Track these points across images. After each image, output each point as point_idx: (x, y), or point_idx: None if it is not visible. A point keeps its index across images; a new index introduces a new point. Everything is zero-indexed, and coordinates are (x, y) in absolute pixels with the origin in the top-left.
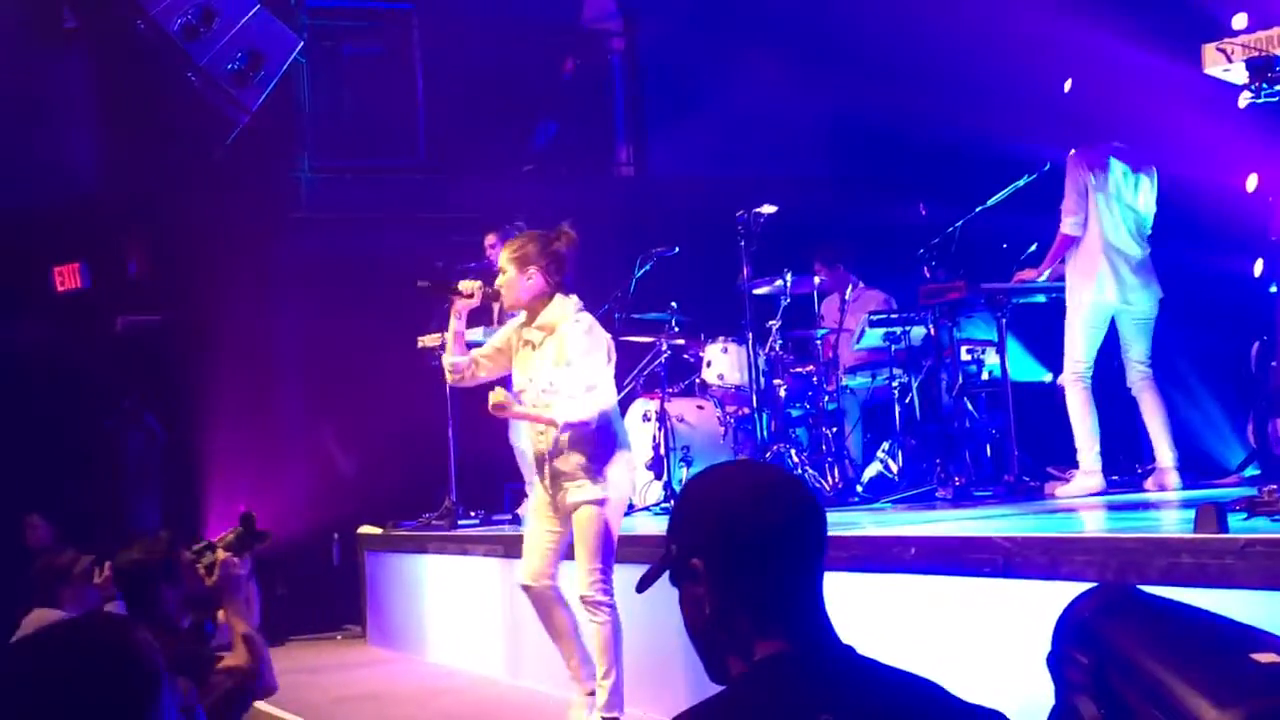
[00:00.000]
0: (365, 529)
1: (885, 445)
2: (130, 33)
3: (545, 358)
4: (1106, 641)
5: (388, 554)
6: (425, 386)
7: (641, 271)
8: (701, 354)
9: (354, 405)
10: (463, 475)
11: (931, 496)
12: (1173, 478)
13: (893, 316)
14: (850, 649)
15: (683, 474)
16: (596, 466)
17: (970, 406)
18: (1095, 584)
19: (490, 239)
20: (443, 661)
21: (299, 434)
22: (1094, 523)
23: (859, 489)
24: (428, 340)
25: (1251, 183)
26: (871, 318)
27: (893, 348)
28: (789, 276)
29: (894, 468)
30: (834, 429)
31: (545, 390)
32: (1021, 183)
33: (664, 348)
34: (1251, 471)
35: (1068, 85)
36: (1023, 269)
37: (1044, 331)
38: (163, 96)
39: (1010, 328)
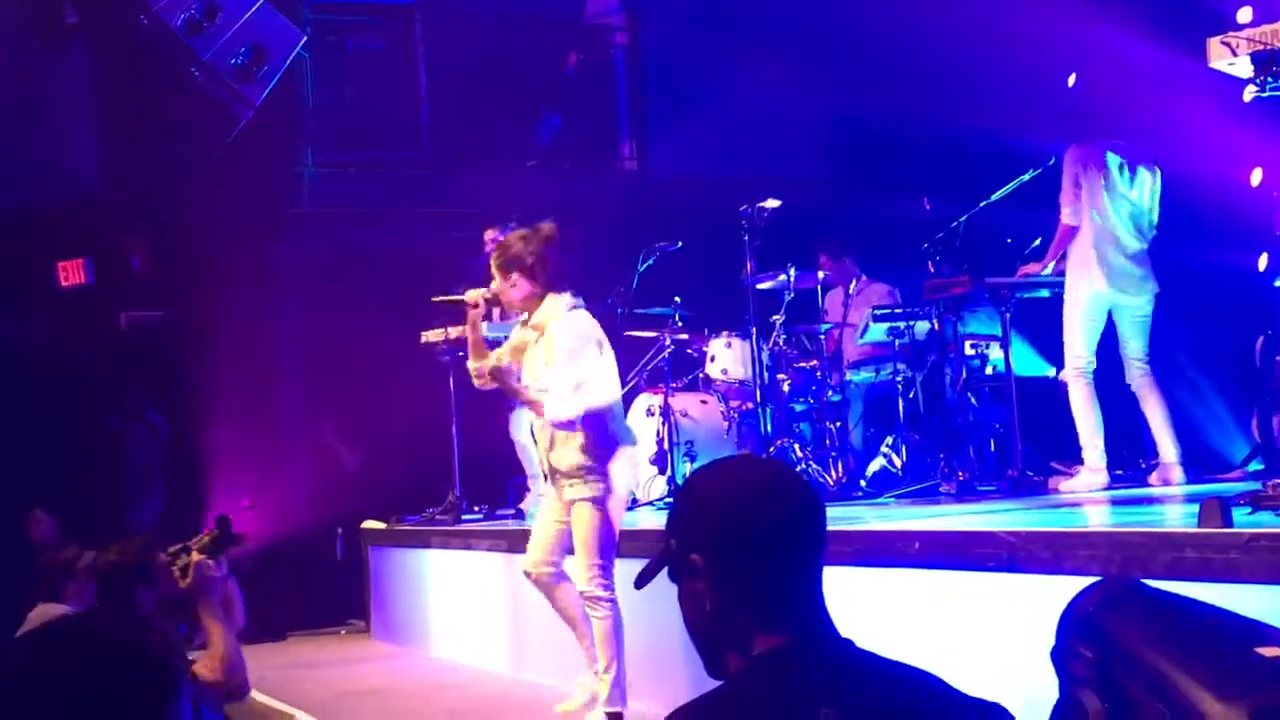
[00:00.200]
0: (369, 524)
1: (889, 440)
2: (132, 28)
3: (538, 358)
4: (1111, 636)
5: (391, 549)
6: (429, 381)
7: (645, 266)
8: (705, 349)
9: (357, 400)
10: (466, 470)
11: (935, 491)
12: (1176, 472)
13: (897, 311)
14: (849, 643)
15: (686, 469)
16: (592, 464)
17: (974, 401)
18: (1099, 578)
19: (490, 234)
20: (446, 656)
21: (302, 429)
22: (1098, 517)
23: (862, 484)
24: (431, 335)
25: (1256, 177)
26: (875, 312)
27: (896, 342)
28: (792, 271)
29: (898, 462)
30: (838, 423)
31: (541, 391)
32: (1026, 177)
33: (667, 342)
34: (1255, 466)
35: (1071, 80)
36: (1027, 264)
37: (1048, 326)
38: (165, 92)
39: (1014, 322)
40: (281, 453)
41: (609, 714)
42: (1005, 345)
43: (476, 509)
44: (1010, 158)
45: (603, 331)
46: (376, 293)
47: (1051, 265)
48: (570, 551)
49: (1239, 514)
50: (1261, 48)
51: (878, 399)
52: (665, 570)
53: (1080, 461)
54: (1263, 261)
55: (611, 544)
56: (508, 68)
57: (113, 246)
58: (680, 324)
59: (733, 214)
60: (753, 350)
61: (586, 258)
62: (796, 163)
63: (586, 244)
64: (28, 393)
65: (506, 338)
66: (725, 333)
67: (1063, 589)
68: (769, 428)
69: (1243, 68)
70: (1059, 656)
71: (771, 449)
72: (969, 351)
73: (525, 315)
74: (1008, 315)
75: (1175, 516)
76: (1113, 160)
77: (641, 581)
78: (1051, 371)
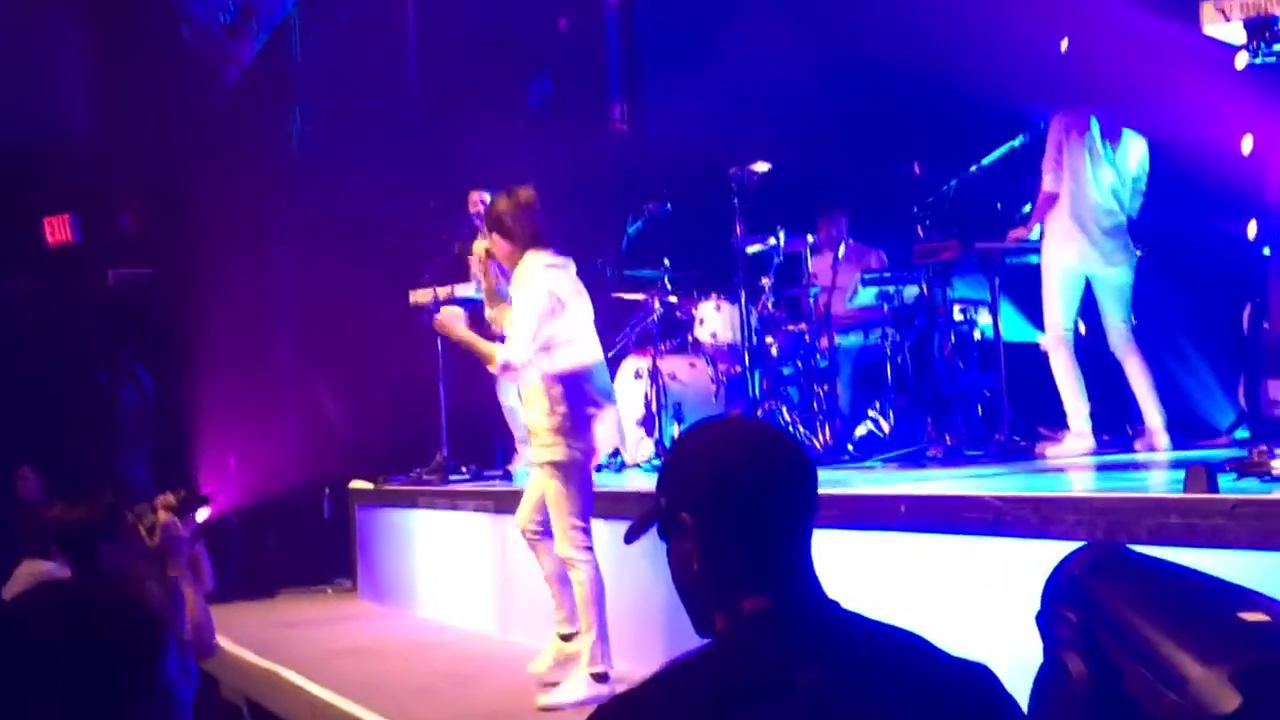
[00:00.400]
0: (356, 483)
1: (876, 404)
2: None
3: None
4: (1095, 600)
5: (379, 508)
6: (417, 342)
7: (634, 229)
8: (694, 311)
9: (346, 360)
10: (454, 430)
11: (922, 455)
12: (1162, 438)
13: (886, 275)
14: (835, 604)
15: (674, 431)
16: (556, 425)
17: (962, 366)
18: (1085, 543)
19: (475, 195)
20: (433, 616)
21: (291, 388)
22: (1084, 482)
23: (850, 447)
24: (419, 296)
25: (1247, 144)
26: (864, 276)
27: (885, 306)
28: (782, 234)
29: (885, 426)
30: (825, 387)
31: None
32: (1016, 142)
33: (656, 305)
34: (1242, 433)
35: (1064, 44)
36: (1016, 229)
37: (1037, 291)
38: (156, 49)
39: (1003, 287)
40: (269, 412)
41: (594, 674)
42: (994, 310)
43: (464, 469)
44: (1001, 122)
45: (575, 292)
46: (365, 253)
47: (1038, 229)
48: None
49: (1224, 480)
50: (1255, 13)
51: (866, 363)
52: (655, 529)
53: (1067, 427)
54: (1252, 229)
55: (585, 505)
56: (499, 27)
57: (101, 203)
58: (669, 287)
59: (723, 177)
60: (741, 313)
61: (576, 220)
62: (789, 122)
63: (577, 206)
64: (14, 350)
65: (475, 299)
66: (714, 296)
67: (1048, 553)
68: (757, 391)
69: (1236, 33)
70: (1044, 620)
71: (759, 412)
72: (957, 316)
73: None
74: (997, 280)
75: (1161, 482)
76: (1096, 128)
77: (631, 537)
78: (1040, 337)
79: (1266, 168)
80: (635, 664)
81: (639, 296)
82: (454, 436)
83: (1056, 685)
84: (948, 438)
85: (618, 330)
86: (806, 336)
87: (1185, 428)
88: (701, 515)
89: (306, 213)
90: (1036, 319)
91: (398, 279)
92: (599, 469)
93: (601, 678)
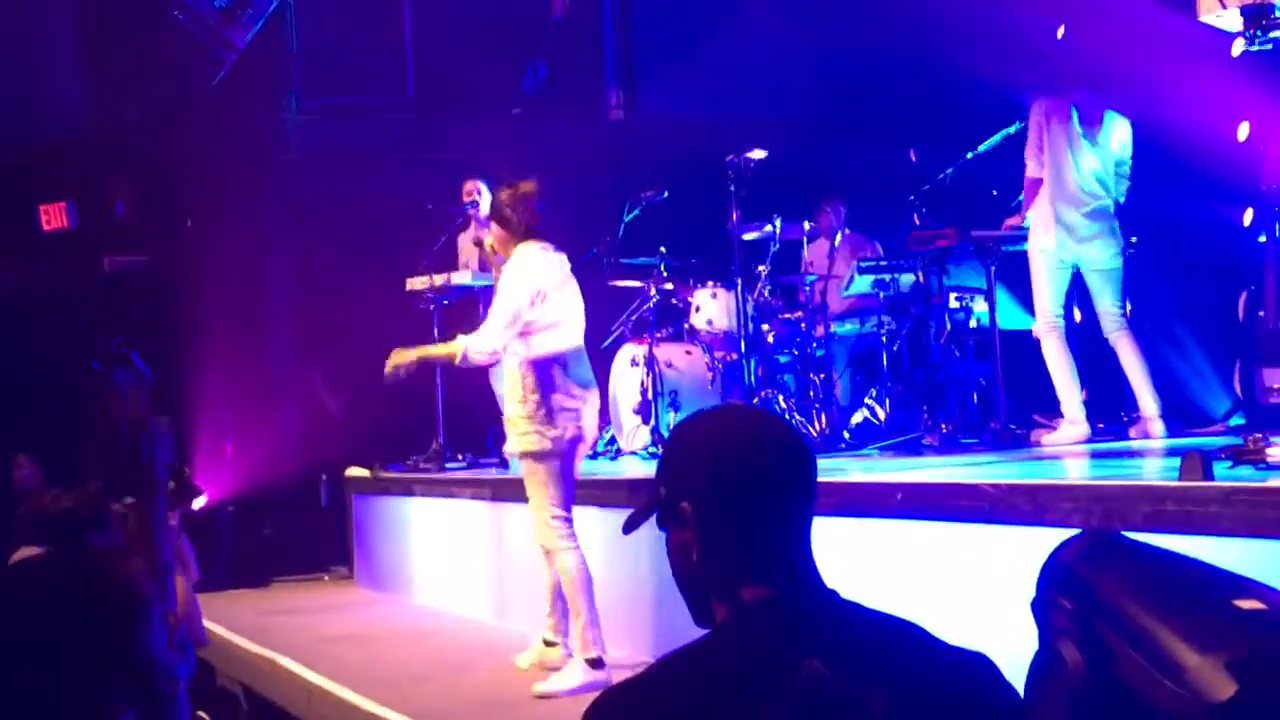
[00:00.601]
0: (353, 471)
1: (872, 392)
2: None
3: None
4: (1091, 587)
5: (375, 496)
6: (413, 329)
7: (630, 216)
8: (690, 299)
9: (342, 347)
10: (450, 418)
11: (918, 443)
12: (1157, 426)
13: (882, 263)
14: (834, 593)
15: (670, 419)
16: (529, 412)
17: (958, 354)
18: (1080, 530)
19: (468, 185)
20: (429, 603)
21: (287, 376)
22: (1079, 470)
23: (846, 435)
24: (416, 283)
25: (1243, 131)
26: (860, 264)
27: (881, 294)
28: (778, 222)
29: (881, 414)
30: (821, 375)
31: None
32: (1012, 129)
33: (652, 292)
34: (1237, 420)
35: (1060, 31)
36: (1012, 216)
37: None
38: (150, 35)
39: (999, 275)
40: (266, 399)
41: (588, 660)
42: (990, 298)
43: (460, 457)
44: (998, 109)
45: (562, 280)
46: (361, 240)
47: (1030, 216)
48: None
49: (1220, 468)
50: (1251, 1)
51: (862, 351)
52: (654, 518)
53: (1062, 415)
54: (1248, 216)
55: (565, 494)
56: (494, 14)
57: (96, 190)
58: (665, 274)
59: (719, 164)
60: (738, 301)
61: (572, 207)
62: (785, 109)
63: (572, 193)
64: (8, 337)
65: (471, 286)
66: (710, 283)
67: (1044, 541)
68: (753, 379)
69: (1232, 21)
70: (1039, 608)
71: (755, 400)
72: (953, 304)
73: None
74: (993, 268)
75: (1156, 470)
76: (1075, 115)
77: (630, 527)
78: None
79: (1263, 155)
80: (630, 651)
81: (635, 284)
82: (450, 424)
83: (1052, 673)
84: (943, 426)
85: (614, 318)
86: (803, 324)
87: (1180, 415)
88: (701, 504)
89: (302, 199)
90: (1032, 307)
91: (394, 265)
92: (593, 456)
93: (596, 663)
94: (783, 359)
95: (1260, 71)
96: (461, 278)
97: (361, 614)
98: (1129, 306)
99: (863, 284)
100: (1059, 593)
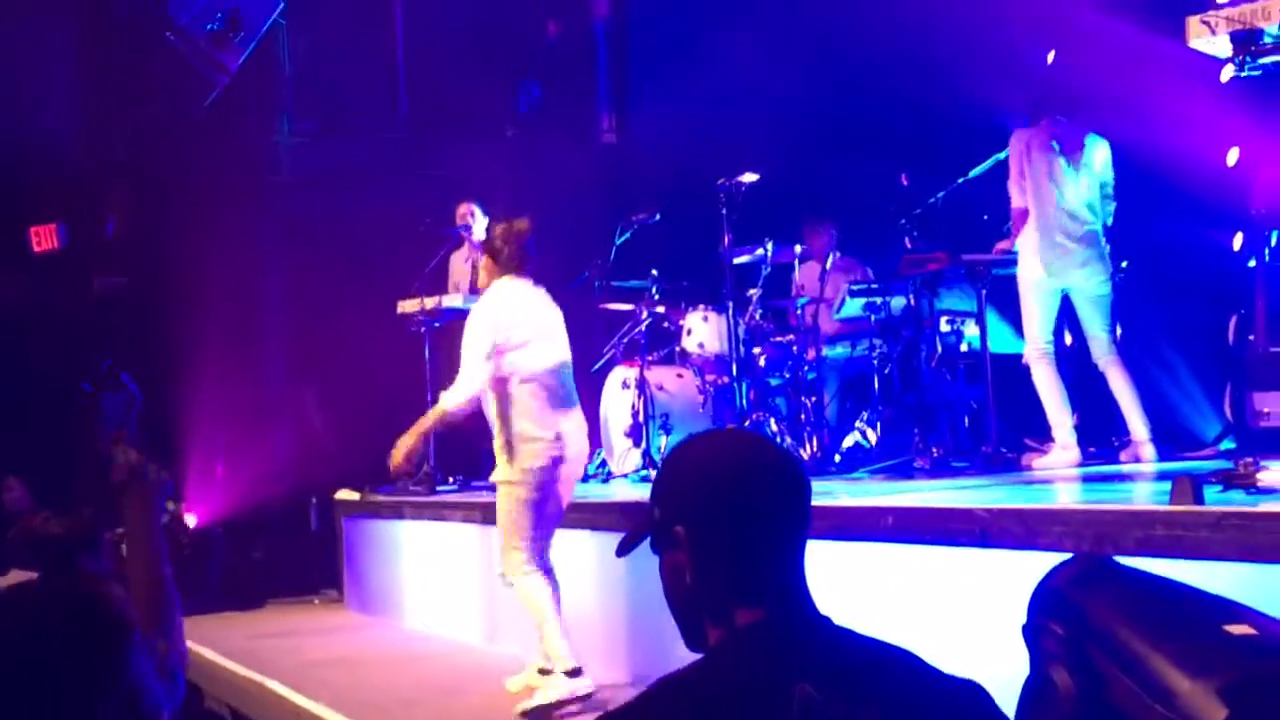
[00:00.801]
0: (343, 494)
1: (864, 415)
2: None
3: None
4: (1082, 612)
5: (366, 519)
6: (404, 351)
7: (622, 239)
8: (682, 322)
9: (333, 369)
10: (441, 441)
11: (909, 467)
12: (1148, 450)
13: (873, 286)
14: (827, 619)
15: (661, 442)
16: (501, 444)
17: (949, 377)
18: (1072, 555)
19: (462, 209)
20: (420, 627)
21: (278, 398)
22: (1070, 494)
23: (837, 459)
24: (407, 305)
25: (1232, 156)
26: (852, 288)
27: (872, 318)
28: (770, 245)
29: (872, 438)
30: (813, 398)
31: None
32: (1003, 155)
33: (644, 315)
34: (1228, 445)
35: (1050, 57)
36: (1003, 240)
37: None
38: (142, 57)
39: (990, 299)
40: (257, 421)
41: (566, 671)
42: (981, 322)
43: (451, 480)
44: (990, 134)
45: (536, 306)
46: (353, 260)
47: (1018, 244)
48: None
49: (1210, 492)
50: (1240, 27)
51: (853, 374)
52: (647, 541)
53: (1053, 439)
54: (1237, 240)
55: (529, 525)
56: (487, 36)
57: (87, 211)
58: (657, 297)
59: (711, 187)
60: (729, 324)
61: (564, 229)
62: (776, 137)
63: (564, 215)
64: None
65: (463, 310)
66: (702, 306)
67: (1035, 565)
68: (744, 402)
69: (1221, 46)
70: (1031, 633)
71: (746, 423)
72: (944, 328)
73: None
74: (984, 292)
75: (1147, 494)
76: (1055, 144)
77: (623, 550)
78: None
79: (1252, 179)
80: (621, 674)
81: (627, 307)
82: (441, 447)
83: (1043, 698)
84: (935, 449)
85: (605, 340)
86: (794, 347)
87: (1171, 439)
88: (695, 528)
89: (294, 221)
90: (1023, 330)
91: (386, 287)
92: (585, 479)
93: (574, 673)
94: (774, 382)
95: (1249, 97)
96: (453, 300)
97: (351, 637)
98: (1119, 331)
99: (854, 307)
100: (1050, 618)
